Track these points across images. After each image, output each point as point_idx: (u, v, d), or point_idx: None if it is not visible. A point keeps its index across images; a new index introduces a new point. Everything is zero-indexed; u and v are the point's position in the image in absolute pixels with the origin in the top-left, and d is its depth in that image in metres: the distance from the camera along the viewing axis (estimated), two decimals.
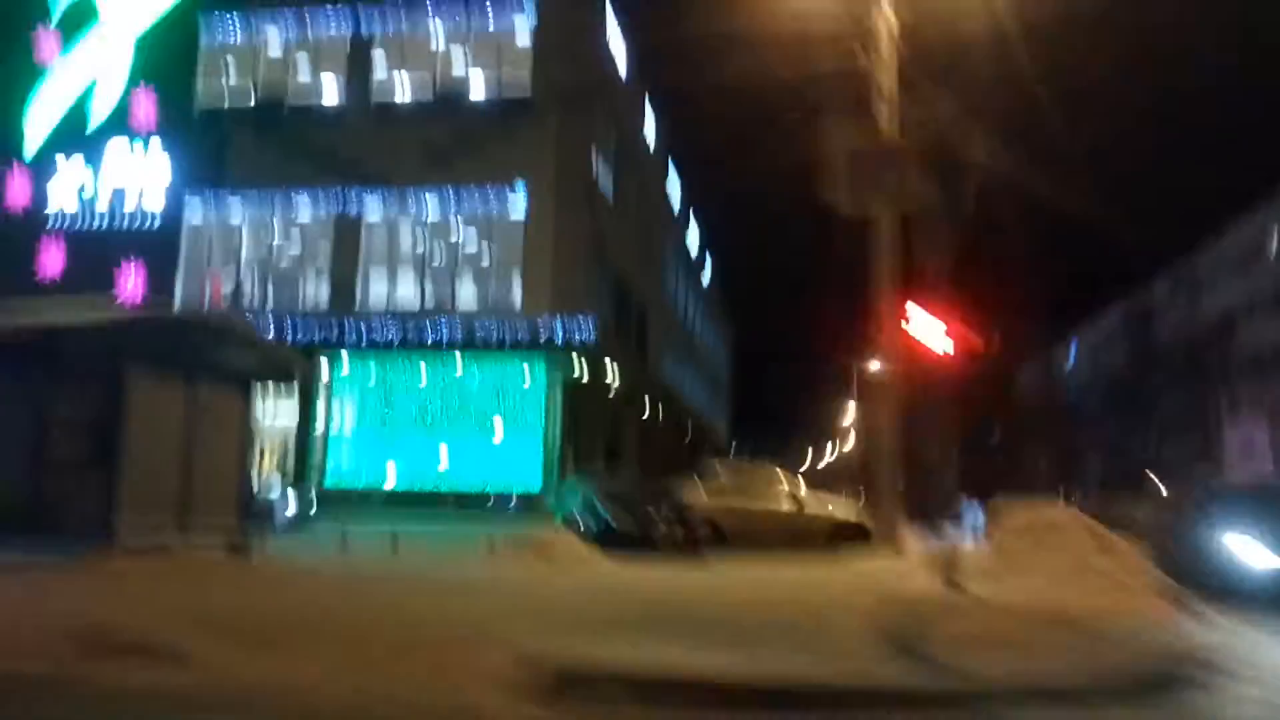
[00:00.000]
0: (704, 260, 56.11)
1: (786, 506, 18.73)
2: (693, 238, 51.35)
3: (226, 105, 29.21)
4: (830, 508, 19.56)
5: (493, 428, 26.37)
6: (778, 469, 21.00)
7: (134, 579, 8.91)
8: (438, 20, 28.38)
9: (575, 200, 27.38)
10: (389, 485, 26.53)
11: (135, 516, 11.04)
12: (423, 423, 26.84)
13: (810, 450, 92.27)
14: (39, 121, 29.77)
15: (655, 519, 16.61)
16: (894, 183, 16.60)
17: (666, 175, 43.46)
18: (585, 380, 26.25)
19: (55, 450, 11.23)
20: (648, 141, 38.62)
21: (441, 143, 27.64)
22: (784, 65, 20.14)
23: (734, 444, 61.43)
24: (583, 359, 26.10)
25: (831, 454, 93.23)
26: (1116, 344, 54.83)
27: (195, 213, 28.83)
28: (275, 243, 28.70)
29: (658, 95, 39.15)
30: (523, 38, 28.03)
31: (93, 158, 29.11)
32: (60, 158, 29.33)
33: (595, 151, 28.86)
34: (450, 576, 11.15)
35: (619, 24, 31.82)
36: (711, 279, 59.19)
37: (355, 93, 28.70)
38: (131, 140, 29.08)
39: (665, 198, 43.34)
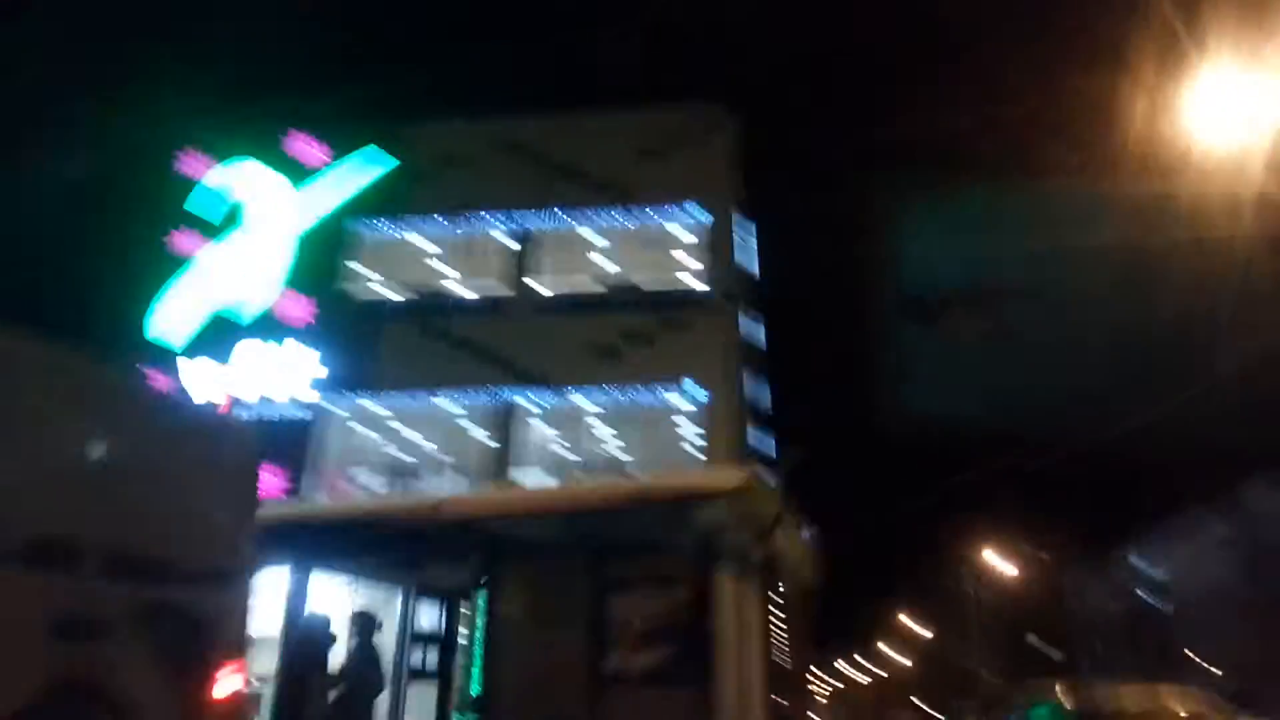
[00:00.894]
0: None
1: None
2: None
3: (380, 306, 29.02)
4: None
5: None
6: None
7: None
8: (596, 218, 28.93)
9: (741, 397, 26.91)
10: None
11: None
12: None
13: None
14: (182, 316, 29.29)
15: None
16: None
17: None
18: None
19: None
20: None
21: (603, 340, 27.43)
22: None
23: None
24: None
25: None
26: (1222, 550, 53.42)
27: (340, 411, 27.89)
28: (425, 443, 27.65)
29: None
30: (683, 235, 28.57)
31: (237, 354, 28.43)
32: (202, 355, 28.63)
33: (749, 349, 28.73)
34: None
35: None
36: None
37: (514, 293, 28.72)
38: (279, 338, 28.57)
39: None
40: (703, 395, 26.54)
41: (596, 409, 26.93)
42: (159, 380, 27.95)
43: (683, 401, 26.62)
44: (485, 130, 30.45)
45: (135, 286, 29.59)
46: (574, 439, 27.03)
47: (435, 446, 27.39)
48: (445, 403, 27.51)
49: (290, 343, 28.28)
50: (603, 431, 26.98)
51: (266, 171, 30.73)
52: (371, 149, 30.48)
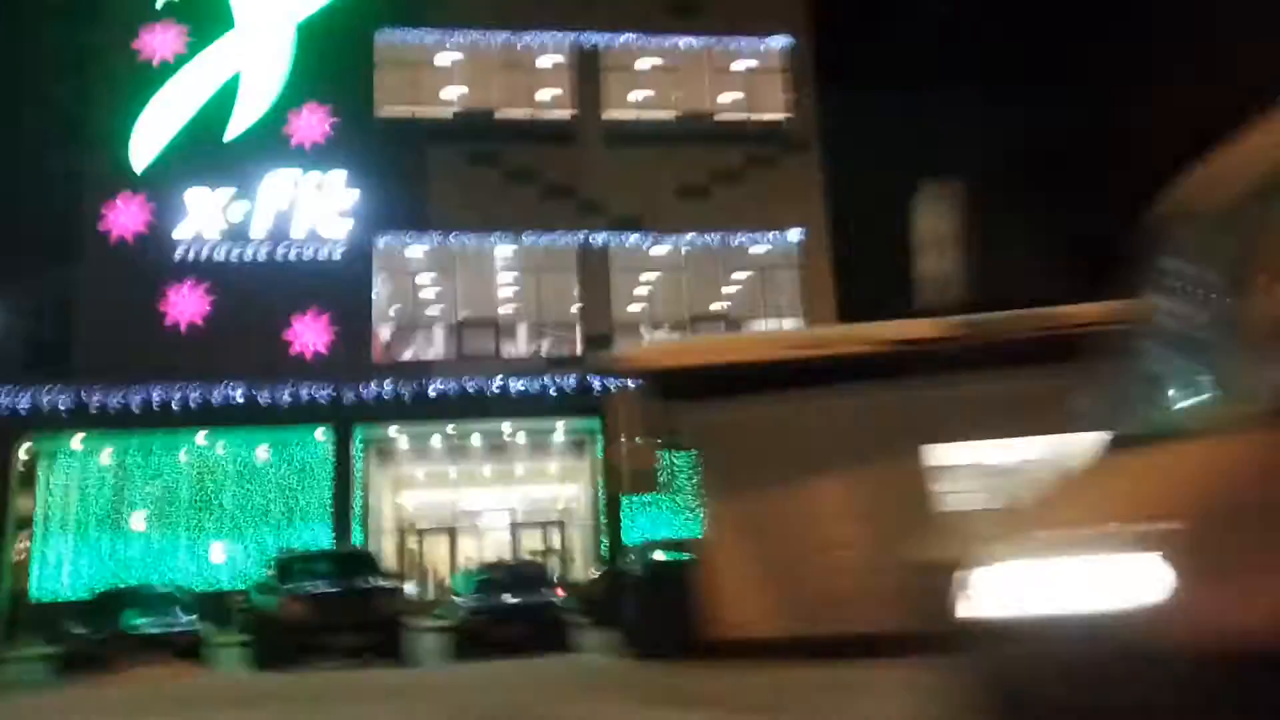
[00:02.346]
0: None
1: None
2: None
3: (416, 124, 24.21)
4: None
5: None
6: None
7: None
8: (674, 39, 25.53)
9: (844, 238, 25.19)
10: None
11: None
12: None
13: None
14: (153, 130, 23.08)
15: None
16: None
17: None
18: None
19: None
20: None
21: (692, 178, 24.57)
22: None
23: None
24: None
25: None
26: None
27: (388, 252, 23.37)
28: (493, 291, 23.88)
29: None
30: (774, 60, 25.90)
31: (234, 174, 22.82)
32: (190, 175, 22.78)
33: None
34: None
35: None
36: None
37: (583, 119, 24.93)
38: (291, 158, 23.25)
39: None
40: (796, 238, 24.61)
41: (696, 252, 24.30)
42: (134, 212, 22.28)
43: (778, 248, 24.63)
44: None
45: (110, 100, 22.98)
46: (672, 290, 24.33)
47: (509, 298, 23.79)
48: (503, 246, 23.78)
49: (332, 175, 23.04)
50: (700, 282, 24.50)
51: None
52: None
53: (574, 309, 23.88)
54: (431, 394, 20.07)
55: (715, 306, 24.68)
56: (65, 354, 21.63)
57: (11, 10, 23.30)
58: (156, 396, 19.81)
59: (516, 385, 20.26)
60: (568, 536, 23.44)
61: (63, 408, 19.28)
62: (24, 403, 19.10)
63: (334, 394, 19.95)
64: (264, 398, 20.02)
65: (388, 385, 20.05)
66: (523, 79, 25.05)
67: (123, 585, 16.46)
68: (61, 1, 23.76)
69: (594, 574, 20.17)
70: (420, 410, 20.29)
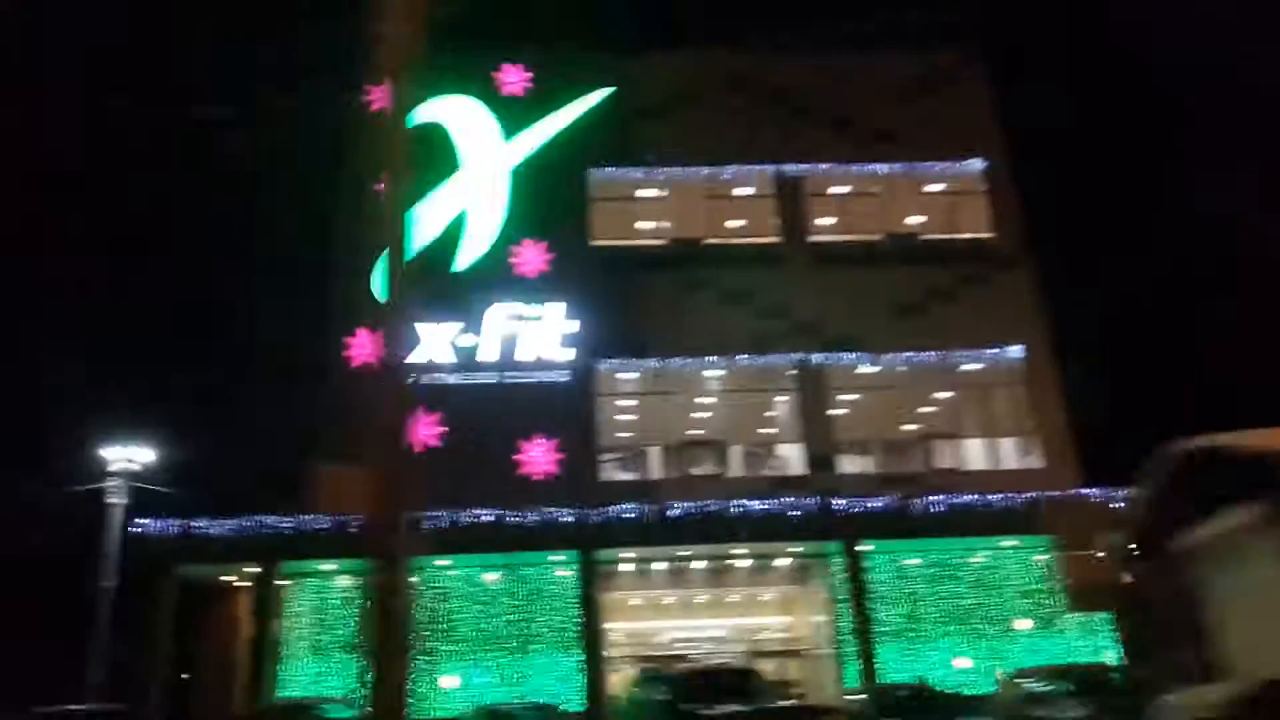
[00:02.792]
0: None
1: None
2: None
3: (629, 254, 25.07)
4: None
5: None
6: None
7: None
8: (872, 166, 26.06)
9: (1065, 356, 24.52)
10: None
11: None
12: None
13: None
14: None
15: None
16: None
17: None
18: None
19: None
20: None
21: (903, 296, 24.52)
22: None
23: None
24: None
25: None
26: None
27: (609, 376, 23.81)
28: (710, 413, 23.96)
29: None
30: (973, 181, 26.10)
31: (463, 304, 23.82)
32: (422, 305, 23.84)
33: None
34: None
35: None
36: None
37: (789, 243, 25.41)
38: (514, 290, 24.21)
39: None
40: (1018, 354, 24.06)
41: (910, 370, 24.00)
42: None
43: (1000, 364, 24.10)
44: (718, 63, 26.95)
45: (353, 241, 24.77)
46: (890, 410, 23.96)
47: (723, 418, 23.80)
48: (717, 369, 23.94)
49: (553, 305, 23.93)
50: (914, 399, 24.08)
51: (476, 105, 26.30)
52: (586, 80, 26.50)
53: (791, 428, 23.64)
54: (671, 515, 19.83)
55: (929, 425, 24.04)
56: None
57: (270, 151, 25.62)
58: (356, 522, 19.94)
59: (757, 506, 19.89)
60: (804, 665, 22.35)
61: (316, 530, 19.60)
62: (287, 525, 19.59)
63: (577, 517, 19.91)
64: (508, 520, 20.08)
65: (628, 507, 19.92)
66: (727, 207, 25.81)
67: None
68: (315, 146, 25.99)
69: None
70: (660, 532, 20.03)
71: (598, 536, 20.07)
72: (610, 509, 20.00)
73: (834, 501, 20.18)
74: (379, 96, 24.92)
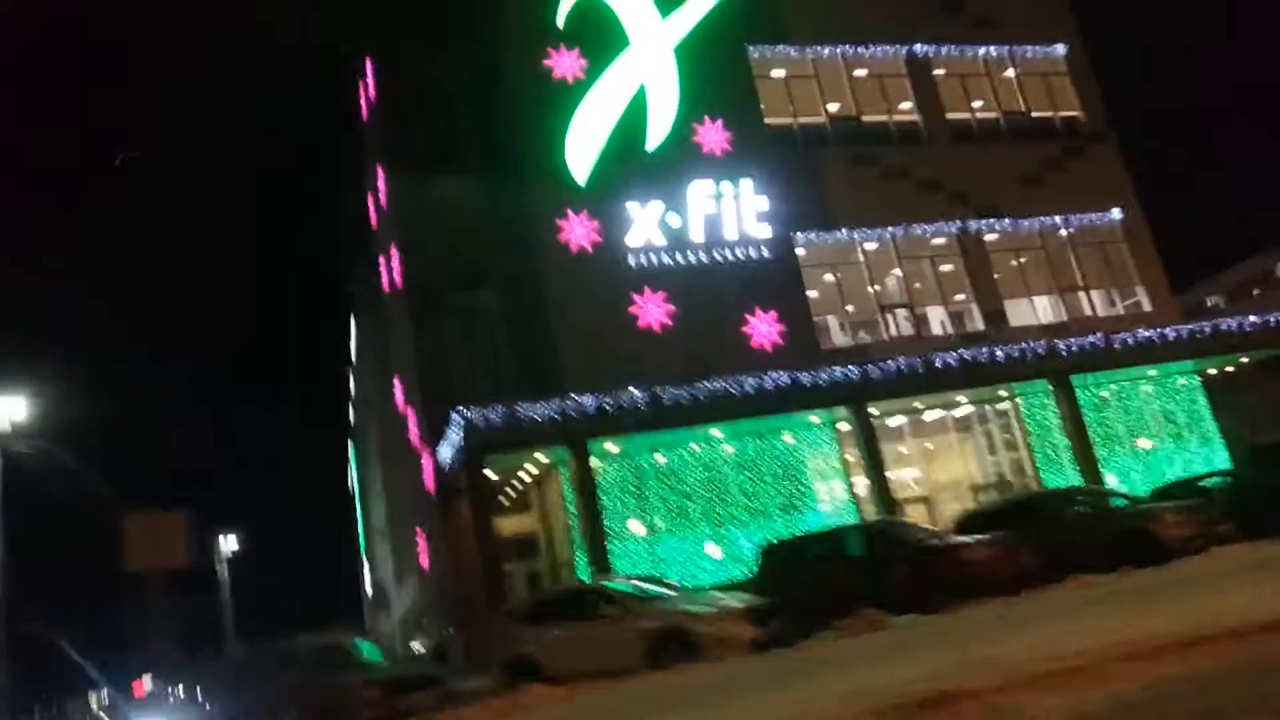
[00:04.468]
0: None
1: None
2: None
3: (798, 133, 26.09)
4: None
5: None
6: None
7: None
8: (985, 47, 28.48)
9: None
10: None
11: None
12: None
13: None
14: (582, 145, 23.94)
15: None
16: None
17: None
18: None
19: None
20: None
21: (1028, 169, 27.47)
22: None
23: None
24: None
25: None
26: None
27: (805, 249, 24.96)
28: (899, 276, 25.82)
29: None
30: (1060, 65, 29.24)
31: (660, 184, 23.97)
32: (621, 186, 23.74)
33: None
34: None
35: None
36: None
37: (928, 120, 27.41)
38: (702, 167, 24.56)
39: None
40: (1117, 217, 27.87)
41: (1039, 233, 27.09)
42: (584, 224, 23.15)
43: (1100, 225, 27.75)
44: None
45: (526, 116, 23.71)
46: (1032, 267, 27.00)
47: (908, 281, 25.82)
48: (899, 235, 25.88)
49: (744, 181, 24.49)
50: (1044, 259, 27.27)
51: None
52: None
53: (962, 289, 26.17)
54: (938, 366, 21.80)
55: (1060, 281, 27.38)
56: (542, 363, 22.15)
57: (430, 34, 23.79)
58: (669, 396, 20.27)
59: (1002, 352, 22.31)
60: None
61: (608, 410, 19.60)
62: (589, 404, 19.45)
63: (853, 375, 21.33)
64: (778, 383, 21.03)
65: (903, 360, 21.64)
66: (871, 85, 27.31)
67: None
68: (473, 27, 24.35)
69: None
70: (922, 384, 21.94)
71: (865, 393, 21.62)
72: (889, 363, 21.63)
73: (1050, 343, 22.98)
74: None
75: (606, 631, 12.65)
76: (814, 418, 22.16)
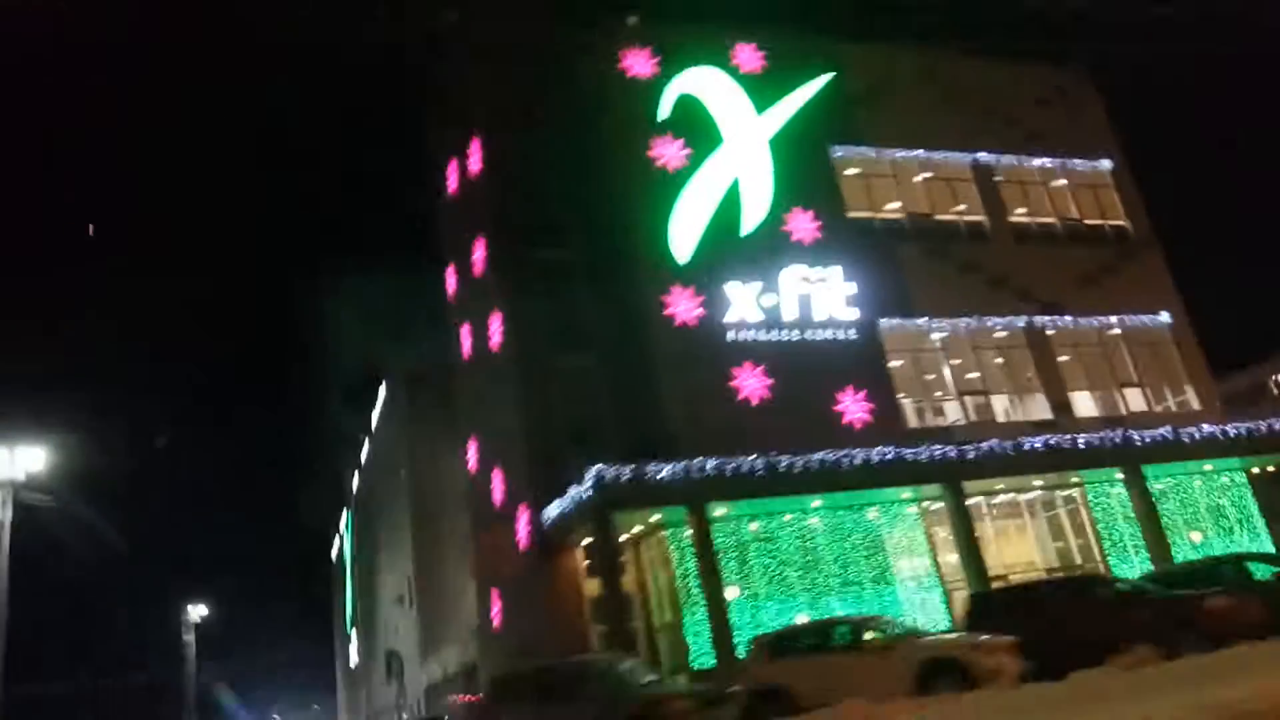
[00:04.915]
0: None
1: None
2: None
3: (878, 226, 27.96)
4: None
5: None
6: None
7: None
8: (1040, 159, 30.83)
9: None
10: None
11: None
12: None
13: None
14: (684, 227, 25.46)
15: None
16: None
17: None
18: None
19: None
20: None
21: (1084, 269, 29.47)
22: None
23: None
24: None
25: None
26: None
27: (891, 333, 26.46)
28: (972, 364, 27.33)
29: None
30: (1100, 179, 31.64)
31: (755, 266, 25.50)
32: (720, 266, 25.22)
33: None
34: None
35: None
36: None
37: (993, 221, 29.44)
38: (794, 252, 26.18)
39: None
40: (1166, 320, 29.82)
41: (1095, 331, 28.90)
42: (687, 301, 24.52)
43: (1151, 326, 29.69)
44: (907, 58, 30.69)
45: (632, 199, 25.30)
46: (1090, 361, 28.68)
47: (980, 369, 27.33)
48: (973, 326, 27.51)
49: (832, 268, 26.14)
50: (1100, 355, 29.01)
51: (724, 78, 27.74)
52: (816, 64, 28.96)
53: (1027, 379, 27.72)
54: (1026, 450, 23.11)
55: (1118, 376, 29.08)
56: (649, 427, 23.12)
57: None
58: (783, 463, 21.40)
59: (1082, 439, 23.71)
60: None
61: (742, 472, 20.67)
62: (710, 467, 20.42)
63: (951, 454, 22.53)
64: (874, 459, 22.17)
65: (992, 442, 22.91)
66: (940, 187, 29.37)
67: None
68: (582, 114, 26.09)
69: None
70: (1010, 465, 23.19)
71: (958, 472, 22.81)
72: (980, 444, 22.89)
73: (1126, 433, 24.41)
74: (635, 62, 26.24)
75: (872, 660, 13.54)
76: (905, 493, 23.21)
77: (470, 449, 30.05)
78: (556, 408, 24.36)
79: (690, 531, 20.79)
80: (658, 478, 20.05)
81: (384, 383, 49.89)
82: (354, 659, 72.24)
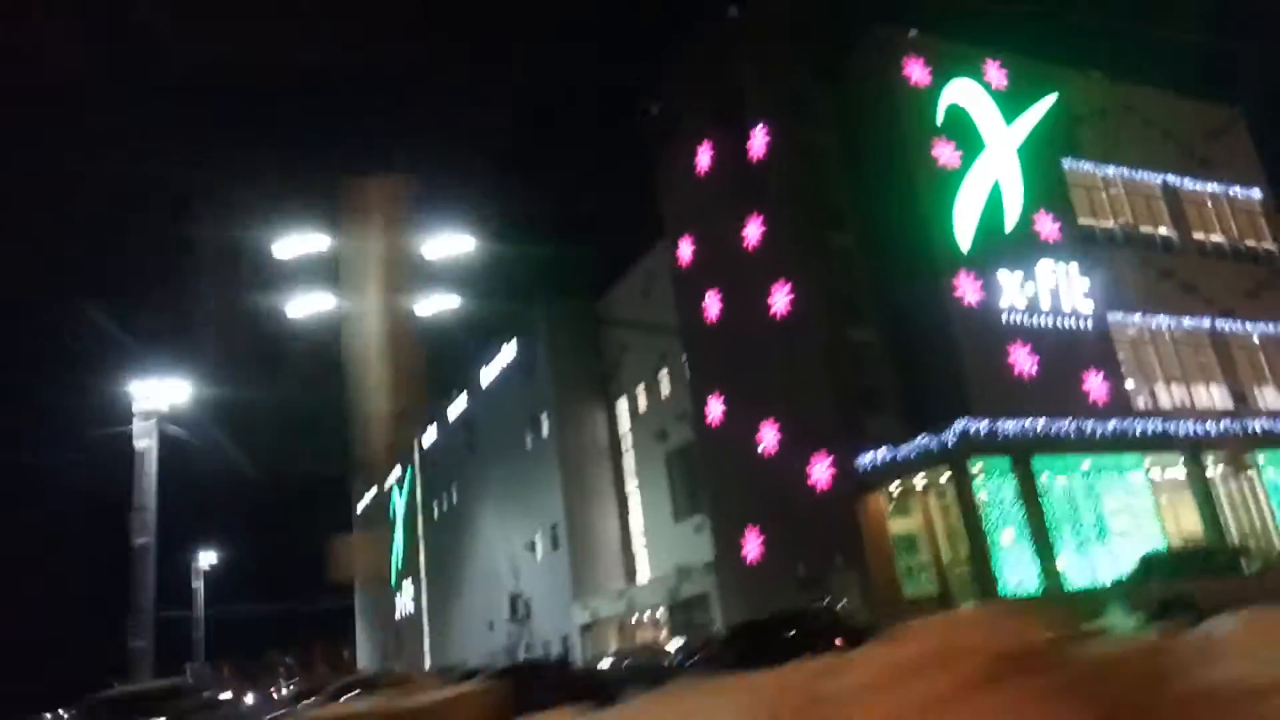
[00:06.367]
0: None
1: None
2: None
3: (1098, 233, 32.25)
4: None
5: None
6: None
7: None
8: (1210, 184, 35.64)
9: None
10: None
11: None
12: None
13: None
14: (962, 220, 29.27)
15: None
16: None
17: None
18: None
19: None
20: None
21: (1249, 284, 34.35)
22: None
23: None
24: None
25: None
26: None
27: (1115, 326, 30.76)
28: (1171, 357, 31.84)
29: None
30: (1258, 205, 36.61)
31: (1016, 260, 29.51)
32: (992, 256, 29.16)
33: None
34: None
35: None
36: None
37: (1180, 235, 34.04)
38: (1043, 249, 30.25)
39: None
40: None
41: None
42: (971, 285, 28.40)
43: None
44: (1114, 88, 35.03)
45: (918, 195, 28.99)
46: (1261, 361, 33.54)
47: (1177, 363, 31.92)
48: (1171, 324, 32.06)
49: (1071, 264, 30.32)
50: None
51: (979, 90, 31.54)
52: (1046, 85, 32.98)
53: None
54: (1256, 429, 27.77)
55: None
56: (942, 393, 26.96)
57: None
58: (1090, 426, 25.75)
59: None
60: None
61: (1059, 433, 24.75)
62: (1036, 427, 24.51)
63: (1190, 430, 27.04)
64: (1144, 427, 26.55)
65: (1225, 422, 27.50)
66: (1141, 202, 33.82)
67: None
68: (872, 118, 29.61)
69: None
70: (1236, 442, 27.78)
71: (1202, 443, 27.30)
72: (1219, 422, 27.42)
73: None
74: (914, 71, 29.93)
75: (1252, 581, 17.56)
76: (1148, 460, 27.66)
77: (714, 403, 33.44)
78: (850, 372, 28.14)
79: (1014, 480, 24.79)
80: (1006, 433, 23.95)
81: (514, 340, 52.10)
82: (407, 607, 73.76)
